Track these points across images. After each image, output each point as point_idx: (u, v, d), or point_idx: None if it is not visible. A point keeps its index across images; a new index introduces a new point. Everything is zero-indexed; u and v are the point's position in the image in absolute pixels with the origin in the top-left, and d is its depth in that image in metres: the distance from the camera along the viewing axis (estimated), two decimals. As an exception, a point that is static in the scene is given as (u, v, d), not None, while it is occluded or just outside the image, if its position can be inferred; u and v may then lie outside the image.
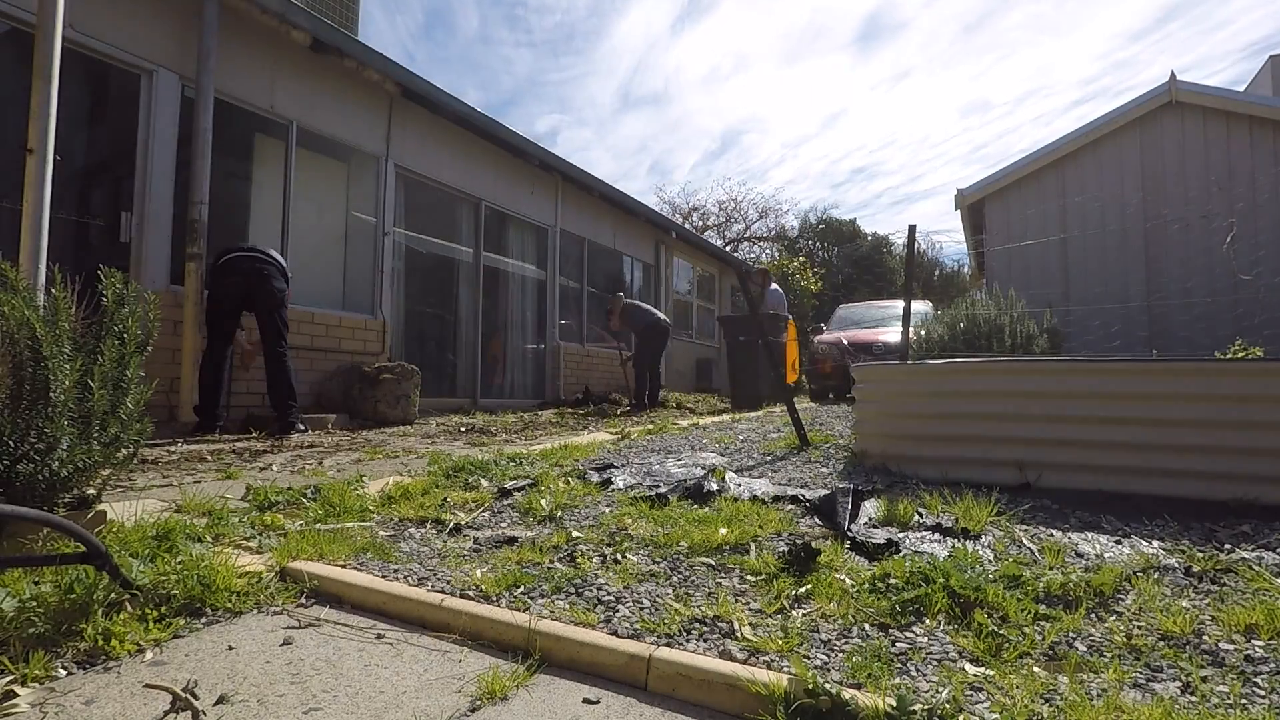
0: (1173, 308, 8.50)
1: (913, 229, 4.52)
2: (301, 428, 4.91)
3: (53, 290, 1.82)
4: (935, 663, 1.31)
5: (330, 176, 6.65)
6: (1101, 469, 2.65)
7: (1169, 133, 8.92)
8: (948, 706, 1.11)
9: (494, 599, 1.64)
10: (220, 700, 1.20)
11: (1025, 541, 2.03)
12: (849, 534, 2.08)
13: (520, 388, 9.24)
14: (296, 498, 2.53)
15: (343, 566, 1.85)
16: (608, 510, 2.45)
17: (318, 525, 2.22)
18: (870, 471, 3.04)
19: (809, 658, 1.34)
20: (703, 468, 3.17)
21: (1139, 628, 1.46)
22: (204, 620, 1.55)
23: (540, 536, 2.17)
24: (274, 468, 3.43)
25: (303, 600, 1.70)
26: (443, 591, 1.68)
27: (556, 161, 9.18)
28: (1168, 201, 8.74)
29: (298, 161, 6.00)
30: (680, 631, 1.46)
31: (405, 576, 1.79)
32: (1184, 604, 1.57)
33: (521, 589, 1.70)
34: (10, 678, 1.22)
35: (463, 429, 5.62)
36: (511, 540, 2.14)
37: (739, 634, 1.44)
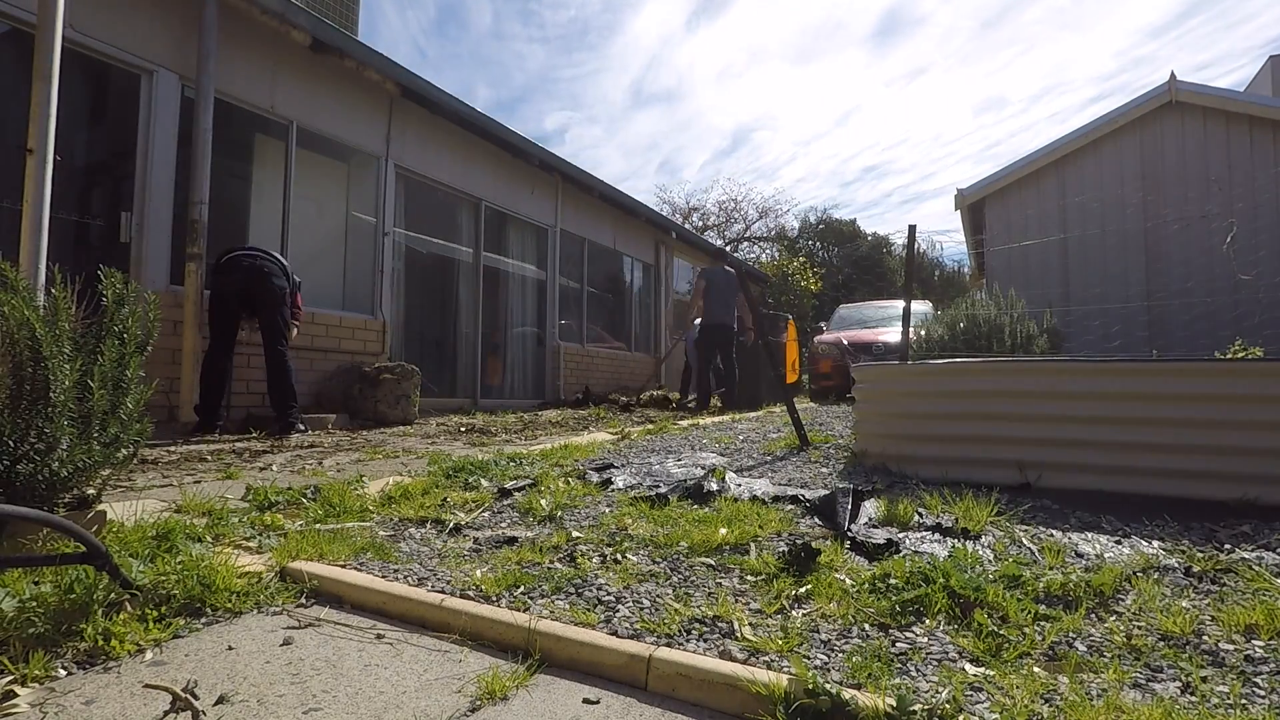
0: (1172, 308, 8.50)
1: (913, 229, 4.52)
2: (302, 428, 4.91)
3: (53, 290, 1.82)
4: (935, 663, 1.31)
5: (330, 176, 6.65)
6: (1101, 469, 2.65)
7: (1169, 133, 8.92)
8: (948, 707, 1.11)
9: (494, 599, 1.64)
10: (220, 700, 1.20)
11: (1025, 541, 2.03)
12: (849, 534, 2.08)
13: (520, 388, 9.24)
14: (296, 498, 2.53)
15: (343, 567, 1.85)
16: (608, 510, 2.45)
17: (318, 525, 2.22)
18: (870, 471, 3.04)
19: (809, 658, 1.33)
20: (703, 468, 3.17)
21: (1139, 628, 1.46)
22: (204, 620, 1.55)
23: (540, 536, 2.17)
24: (274, 468, 3.43)
25: (303, 600, 1.70)
26: (443, 591, 1.68)
27: (556, 161, 9.18)
28: (1168, 201, 8.74)
29: (298, 161, 6.00)
30: (680, 631, 1.46)
31: (405, 576, 1.79)
32: (1184, 604, 1.57)
33: (521, 589, 1.70)
34: (10, 678, 1.22)
35: (463, 429, 5.62)
36: (511, 540, 2.14)
37: (739, 634, 1.44)
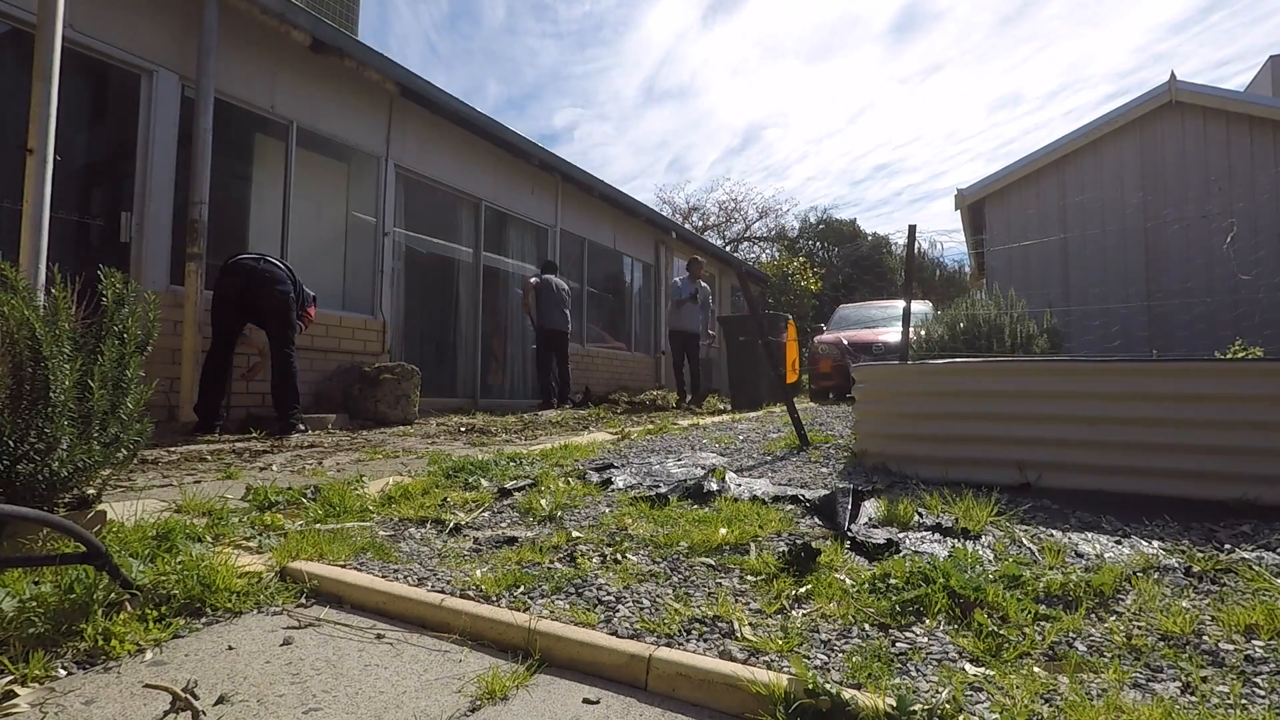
0: (1172, 308, 8.50)
1: (913, 229, 4.52)
2: (302, 428, 4.91)
3: (53, 290, 1.82)
4: (935, 663, 1.31)
5: (330, 176, 6.65)
6: (1102, 469, 2.65)
7: (1169, 133, 8.92)
8: (948, 707, 1.11)
9: (494, 599, 1.64)
10: (220, 700, 1.20)
11: (1025, 541, 2.03)
12: (849, 534, 2.08)
13: (520, 388, 9.24)
14: (296, 498, 2.53)
15: (343, 566, 1.85)
16: (608, 510, 2.45)
17: (318, 525, 2.22)
18: (870, 471, 3.03)
19: (809, 658, 1.33)
20: (703, 468, 3.17)
21: (1139, 628, 1.46)
22: (204, 620, 1.55)
23: (540, 536, 2.17)
24: (274, 468, 3.43)
25: (303, 600, 1.70)
26: (443, 591, 1.68)
27: (556, 161, 9.18)
28: (1168, 201, 8.74)
29: (298, 161, 6.00)
30: (680, 631, 1.46)
31: (405, 576, 1.79)
32: (1184, 604, 1.57)
33: (521, 589, 1.70)
34: (10, 678, 1.22)
35: (463, 429, 5.62)
36: (511, 540, 2.14)
37: (739, 634, 1.44)
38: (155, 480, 2.89)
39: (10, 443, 1.70)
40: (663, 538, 2.08)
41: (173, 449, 3.84)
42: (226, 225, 5.42)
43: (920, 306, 9.77)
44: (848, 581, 1.71)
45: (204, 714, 1.13)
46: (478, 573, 1.81)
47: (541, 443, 4.47)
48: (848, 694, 1.13)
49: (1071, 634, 1.43)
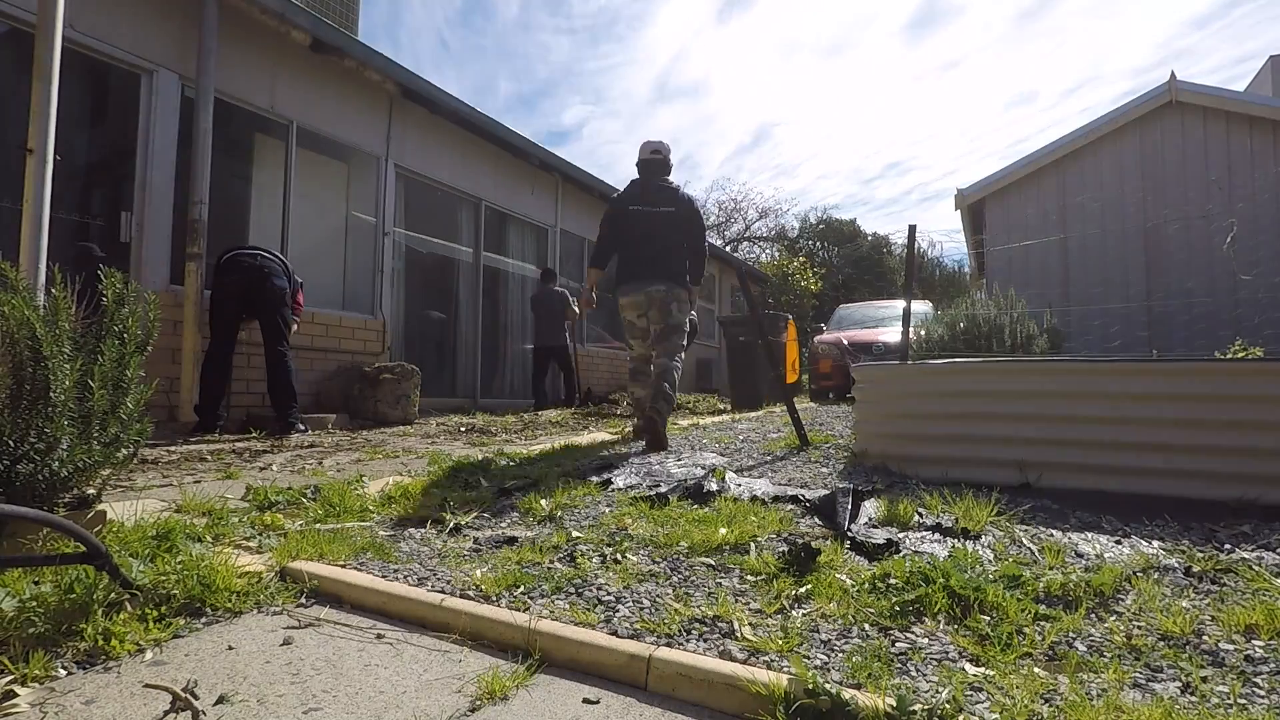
0: (1173, 308, 8.50)
1: (913, 229, 4.51)
2: (302, 428, 4.91)
3: (53, 290, 1.82)
4: (935, 663, 1.31)
5: (330, 176, 6.65)
6: (1101, 469, 2.65)
7: (1169, 133, 8.92)
8: (948, 707, 1.11)
9: (494, 599, 1.64)
10: (220, 700, 1.20)
11: (1025, 541, 2.03)
12: (849, 534, 2.08)
13: (521, 388, 9.24)
14: (296, 498, 2.53)
15: (343, 566, 1.85)
16: (608, 510, 2.45)
17: (318, 525, 2.22)
18: (870, 471, 3.03)
19: (809, 658, 1.33)
20: (703, 467, 3.17)
21: (1139, 628, 1.46)
22: (204, 620, 1.55)
23: (540, 536, 2.17)
24: (274, 468, 3.43)
25: (303, 600, 1.70)
26: (443, 591, 1.68)
27: (556, 161, 9.18)
28: (1168, 201, 8.74)
29: (298, 161, 6.00)
30: (680, 631, 1.46)
31: (405, 576, 1.79)
32: (1184, 604, 1.57)
33: (521, 589, 1.70)
34: (10, 678, 1.22)
35: (463, 429, 5.62)
36: (511, 540, 2.14)
37: (739, 634, 1.44)
38: (155, 480, 2.89)
39: (10, 442, 1.70)
40: (663, 538, 2.08)
41: (173, 449, 3.84)
42: (226, 225, 5.42)
43: (920, 306, 9.77)
44: (848, 581, 1.71)
45: (204, 714, 1.13)
46: (478, 573, 1.81)
47: (541, 442, 4.47)
48: (848, 694, 1.13)
49: (1071, 634, 1.43)
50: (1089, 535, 2.11)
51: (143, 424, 1.98)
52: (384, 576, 1.78)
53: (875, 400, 3.32)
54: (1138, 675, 1.27)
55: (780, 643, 1.38)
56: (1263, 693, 1.20)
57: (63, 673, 1.28)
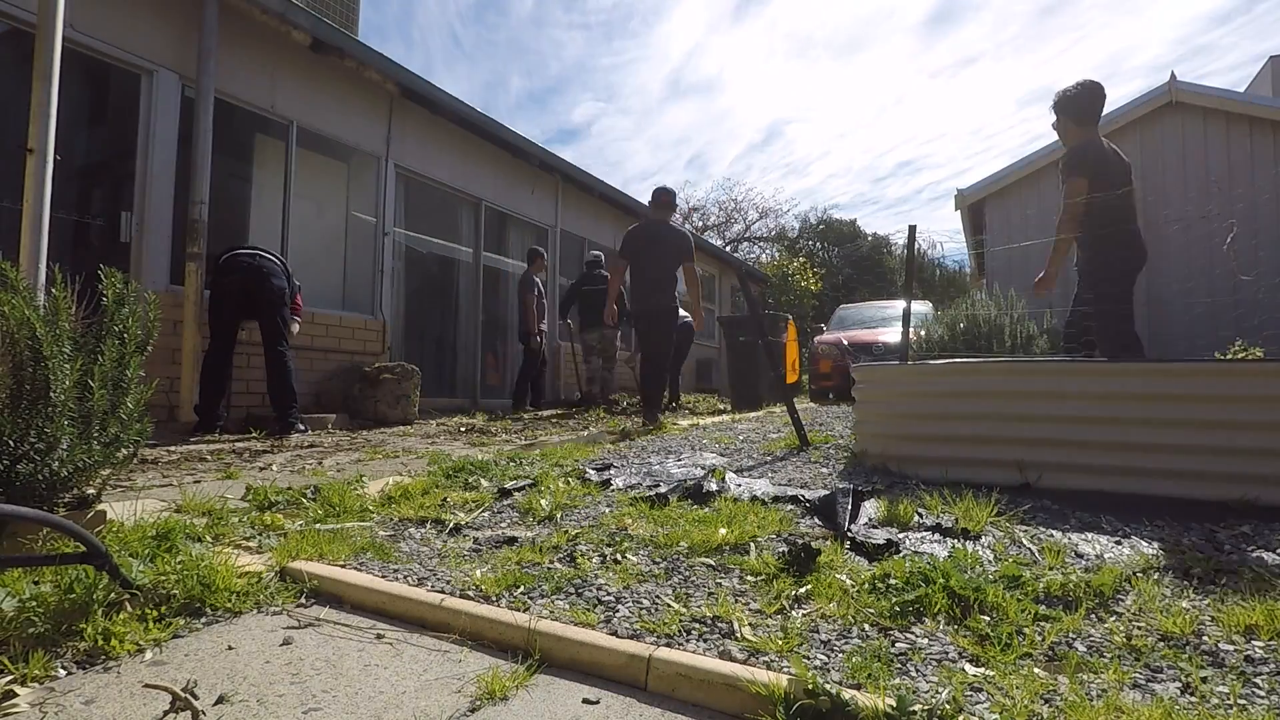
0: (1173, 308, 8.50)
1: (913, 229, 4.51)
2: (302, 428, 4.91)
3: (53, 290, 1.82)
4: (935, 663, 1.31)
5: (330, 176, 6.65)
6: (1101, 469, 2.64)
7: (1169, 133, 8.91)
8: (947, 707, 1.11)
9: (494, 599, 1.64)
10: (220, 700, 1.20)
11: (1025, 542, 2.03)
12: (849, 534, 2.08)
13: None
14: (296, 498, 2.53)
15: (343, 567, 1.85)
16: (607, 510, 2.45)
17: (318, 525, 2.22)
18: (870, 472, 3.03)
19: (809, 658, 1.33)
20: (703, 468, 3.17)
21: (1139, 628, 1.46)
22: (204, 620, 1.55)
23: (540, 536, 2.17)
24: (274, 468, 3.43)
25: (302, 600, 1.70)
26: (442, 591, 1.68)
27: (557, 162, 9.18)
28: (1167, 202, 8.73)
29: (298, 161, 6.00)
30: (680, 632, 1.46)
31: (405, 576, 1.78)
32: (1184, 605, 1.57)
33: (521, 589, 1.70)
34: (10, 678, 1.22)
35: (463, 429, 5.62)
36: (511, 540, 2.14)
37: (739, 634, 1.44)
38: (155, 480, 2.89)
39: (10, 442, 1.70)
40: (663, 538, 2.08)
41: (173, 449, 3.84)
42: (226, 225, 5.42)
43: (920, 307, 9.76)
44: (848, 582, 1.71)
45: (204, 714, 1.13)
46: (478, 573, 1.81)
47: (541, 442, 4.47)
48: (848, 694, 1.13)
49: (1071, 634, 1.43)
50: (1089, 536, 2.11)
51: (143, 424, 1.98)
52: (384, 576, 1.78)
53: (875, 400, 3.31)
54: (1138, 676, 1.27)
55: (780, 643, 1.38)
56: (1263, 693, 1.20)
57: (62, 673, 1.28)
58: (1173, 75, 8.80)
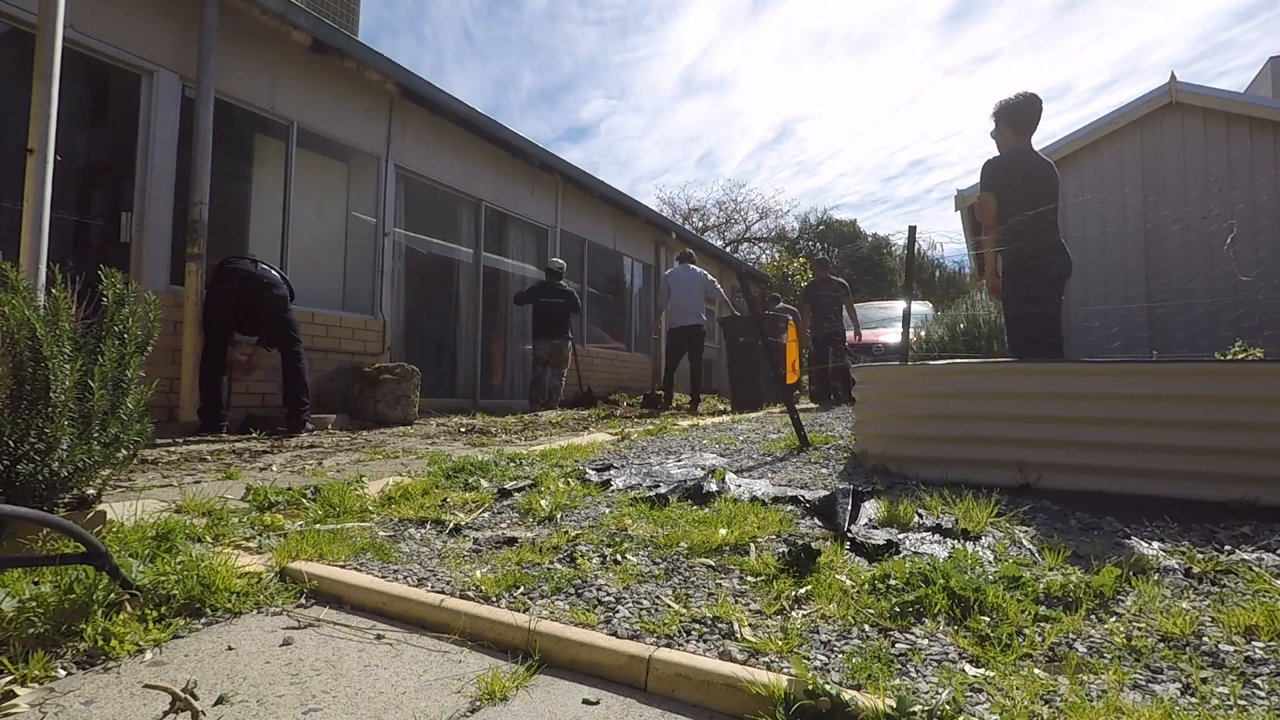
0: (1173, 309, 8.50)
1: (913, 230, 4.51)
2: (310, 427, 4.94)
3: (53, 290, 1.82)
4: (935, 664, 1.31)
5: (330, 177, 6.65)
6: (1102, 470, 2.64)
7: (1169, 134, 8.91)
8: (947, 708, 1.11)
9: (494, 599, 1.64)
10: (220, 700, 1.20)
11: (1025, 542, 2.03)
12: (849, 535, 2.08)
13: (521, 388, 9.24)
14: (296, 498, 2.53)
15: (342, 567, 1.85)
16: (607, 511, 2.45)
17: (318, 526, 2.22)
18: (870, 472, 3.03)
19: (809, 659, 1.33)
20: (703, 468, 3.17)
21: (1139, 629, 1.46)
22: (204, 620, 1.55)
23: (540, 537, 2.16)
24: (274, 468, 3.43)
25: (302, 601, 1.70)
26: (442, 592, 1.68)
27: (557, 162, 9.19)
28: (1167, 203, 8.73)
29: (298, 161, 6.00)
30: (680, 632, 1.46)
31: (405, 577, 1.78)
32: (1184, 605, 1.57)
33: (521, 589, 1.70)
34: (10, 678, 1.22)
35: (463, 429, 5.62)
36: (511, 541, 2.14)
37: (739, 635, 1.44)
38: (155, 480, 2.89)
39: (10, 443, 1.70)
40: (663, 538, 2.08)
41: (173, 449, 3.84)
42: (227, 225, 5.42)
43: (920, 307, 9.78)
44: (848, 582, 1.71)
45: (203, 714, 1.13)
46: (477, 573, 1.81)
47: (541, 443, 4.47)
48: (847, 695, 1.13)
49: (1071, 635, 1.43)
50: (1089, 536, 2.11)
51: (143, 424, 1.98)
52: (384, 577, 1.78)
53: (875, 401, 3.32)
54: (1138, 676, 1.27)
55: (780, 643, 1.38)
56: (1263, 694, 1.20)
57: (62, 673, 1.28)
58: (1173, 76, 8.80)
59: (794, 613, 1.56)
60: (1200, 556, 1.88)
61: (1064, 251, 4.02)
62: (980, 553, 1.92)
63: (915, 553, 1.94)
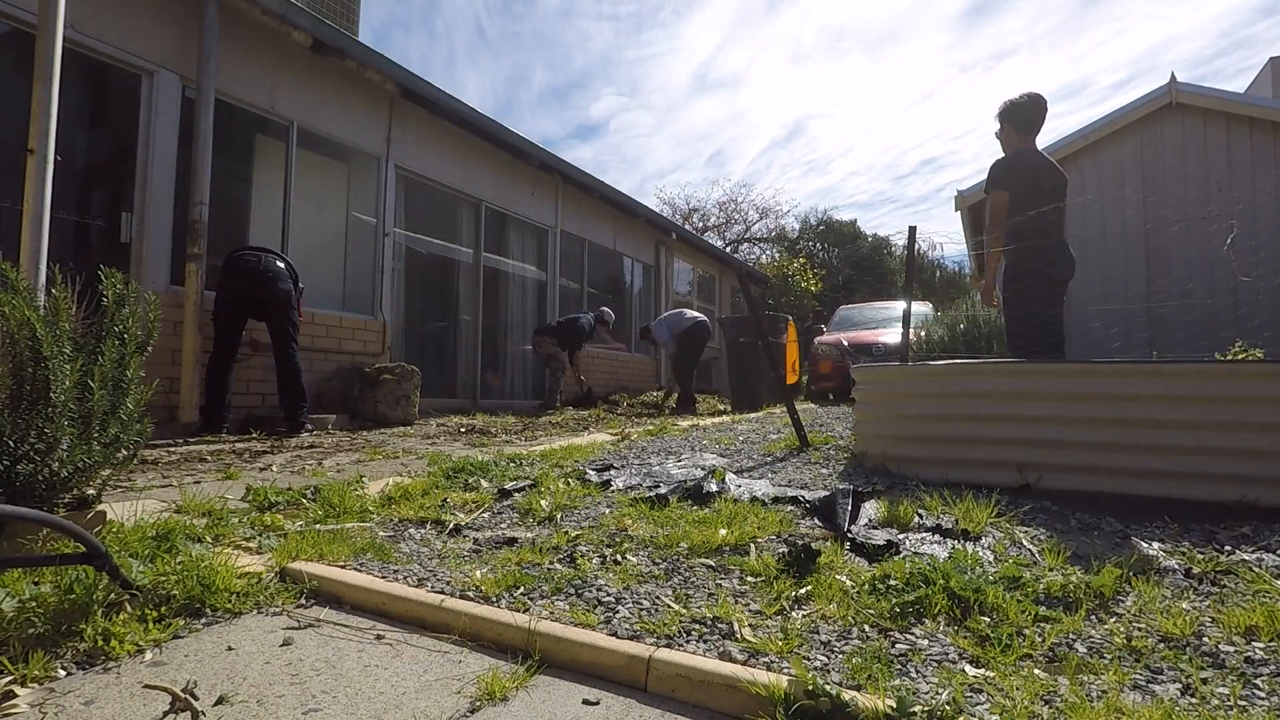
0: (1173, 309, 8.49)
1: (913, 230, 4.51)
2: (309, 428, 4.93)
3: (53, 290, 1.82)
4: (935, 664, 1.31)
5: (331, 177, 6.65)
6: (1102, 470, 2.64)
7: (1169, 134, 8.92)
8: (947, 708, 1.11)
9: (494, 600, 1.64)
10: (220, 701, 1.20)
11: (1025, 543, 2.03)
12: (849, 535, 2.08)
13: (520, 388, 9.24)
14: (296, 498, 2.53)
15: (342, 567, 1.85)
16: (607, 511, 2.45)
17: (317, 526, 2.22)
18: (870, 473, 3.03)
19: (809, 659, 1.33)
20: (703, 469, 3.17)
21: (1139, 629, 1.46)
22: (204, 621, 1.55)
23: (540, 537, 2.16)
24: (274, 468, 3.43)
25: (302, 601, 1.70)
26: (442, 592, 1.68)
27: (557, 163, 9.19)
28: (1168, 203, 8.73)
29: (298, 162, 6.00)
30: (680, 632, 1.46)
31: (405, 577, 1.78)
32: (1184, 606, 1.57)
33: (521, 590, 1.70)
34: (10, 678, 1.22)
35: (463, 430, 5.62)
36: (511, 541, 2.14)
37: (739, 635, 1.44)
38: (155, 481, 2.89)
39: (10, 443, 1.70)
40: (663, 539, 2.08)
41: (173, 449, 3.84)
42: (227, 225, 5.43)
43: (921, 308, 9.77)
44: (848, 583, 1.71)
45: (203, 714, 1.13)
46: (477, 573, 1.81)
47: (541, 443, 4.47)
48: (848, 695, 1.13)
49: (1072, 635, 1.43)
50: (1089, 536, 2.11)
51: (143, 424, 1.98)
52: (384, 577, 1.78)
53: (875, 401, 3.31)
54: (1138, 677, 1.27)
55: (780, 644, 1.38)
56: (1263, 694, 1.20)
57: (62, 673, 1.28)
58: (1173, 76, 8.81)
59: (794, 613, 1.56)
60: (1200, 557, 1.88)
61: (1068, 252, 4.02)
62: (980, 553, 1.92)
63: (915, 553, 1.94)
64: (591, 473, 3.10)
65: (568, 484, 2.88)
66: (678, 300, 13.62)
